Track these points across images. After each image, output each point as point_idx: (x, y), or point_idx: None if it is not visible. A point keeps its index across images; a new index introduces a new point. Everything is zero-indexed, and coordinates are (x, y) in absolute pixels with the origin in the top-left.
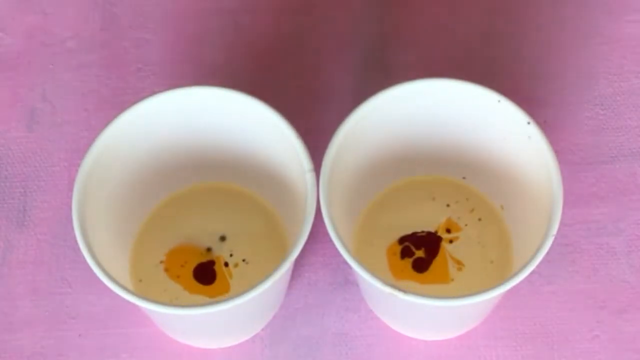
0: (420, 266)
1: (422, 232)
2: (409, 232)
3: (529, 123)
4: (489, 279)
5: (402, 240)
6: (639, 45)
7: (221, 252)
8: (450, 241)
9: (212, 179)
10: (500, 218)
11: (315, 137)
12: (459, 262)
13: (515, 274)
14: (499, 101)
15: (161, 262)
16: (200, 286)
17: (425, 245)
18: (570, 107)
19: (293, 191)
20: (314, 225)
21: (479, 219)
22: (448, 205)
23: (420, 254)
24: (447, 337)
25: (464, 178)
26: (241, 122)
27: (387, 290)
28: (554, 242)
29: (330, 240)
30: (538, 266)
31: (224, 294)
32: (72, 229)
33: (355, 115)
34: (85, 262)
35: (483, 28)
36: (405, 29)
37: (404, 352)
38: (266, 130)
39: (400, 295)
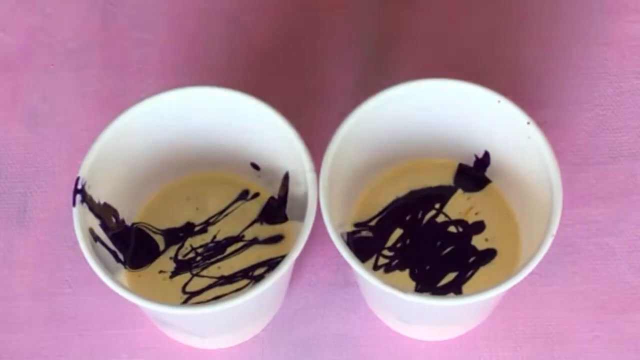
0: None
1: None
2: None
3: (528, 123)
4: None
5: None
6: (639, 45)
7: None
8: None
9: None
10: (513, 217)
11: (315, 137)
12: None
13: (515, 274)
14: (499, 101)
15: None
16: None
17: None
18: (570, 107)
19: (293, 191)
20: (314, 226)
21: (476, 213)
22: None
23: None
24: (447, 338)
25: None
26: (241, 122)
27: (387, 290)
28: (553, 242)
29: (331, 241)
30: (538, 266)
31: None
32: (72, 229)
33: (355, 115)
34: (85, 262)
35: (483, 28)
36: (405, 29)
37: (404, 352)
38: (266, 130)
39: (400, 295)
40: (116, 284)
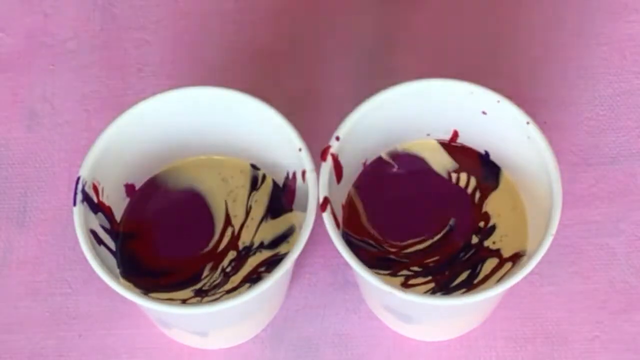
0: None
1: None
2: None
3: (528, 123)
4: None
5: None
6: (639, 46)
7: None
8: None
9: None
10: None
11: (316, 137)
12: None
13: (514, 273)
14: (498, 101)
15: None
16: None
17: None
18: (570, 107)
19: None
20: (314, 226)
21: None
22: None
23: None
24: (447, 338)
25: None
26: (241, 122)
27: (387, 289)
28: (553, 242)
29: (330, 241)
30: (538, 266)
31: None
32: (73, 229)
33: (355, 115)
34: (85, 262)
35: (483, 29)
36: (406, 29)
37: (404, 352)
38: (266, 130)
39: (399, 294)
40: (117, 284)
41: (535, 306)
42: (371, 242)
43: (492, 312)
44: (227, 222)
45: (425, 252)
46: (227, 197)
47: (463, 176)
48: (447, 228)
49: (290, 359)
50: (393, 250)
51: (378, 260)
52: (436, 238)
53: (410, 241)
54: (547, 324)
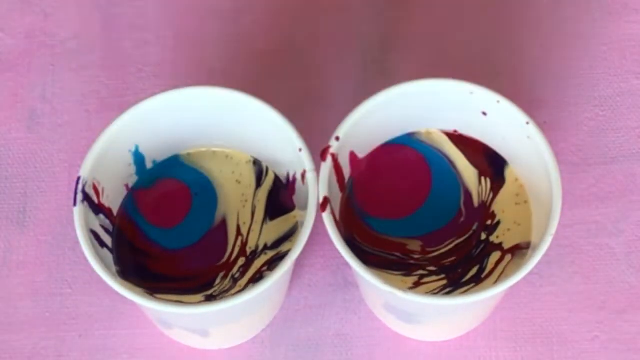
0: None
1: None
2: None
3: (528, 123)
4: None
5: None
6: (639, 46)
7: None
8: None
9: None
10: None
11: (316, 137)
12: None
13: (514, 273)
14: (498, 101)
15: None
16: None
17: None
18: (570, 107)
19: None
20: (314, 227)
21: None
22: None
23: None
24: (447, 338)
25: None
26: (242, 121)
27: (387, 289)
28: (553, 242)
29: (330, 241)
30: (538, 267)
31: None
32: (73, 229)
33: (355, 115)
34: (85, 262)
35: (483, 28)
36: (405, 29)
37: (404, 352)
38: (267, 130)
39: (399, 294)
40: (117, 284)
41: (535, 306)
42: (397, 254)
43: (492, 312)
44: (238, 232)
45: (447, 254)
46: (239, 205)
47: (483, 182)
48: (470, 232)
49: (290, 359)
50: (417, 256)
51: (395, 264)
52: (460, 240)
53: (446, 242)
54: (547, 324)
